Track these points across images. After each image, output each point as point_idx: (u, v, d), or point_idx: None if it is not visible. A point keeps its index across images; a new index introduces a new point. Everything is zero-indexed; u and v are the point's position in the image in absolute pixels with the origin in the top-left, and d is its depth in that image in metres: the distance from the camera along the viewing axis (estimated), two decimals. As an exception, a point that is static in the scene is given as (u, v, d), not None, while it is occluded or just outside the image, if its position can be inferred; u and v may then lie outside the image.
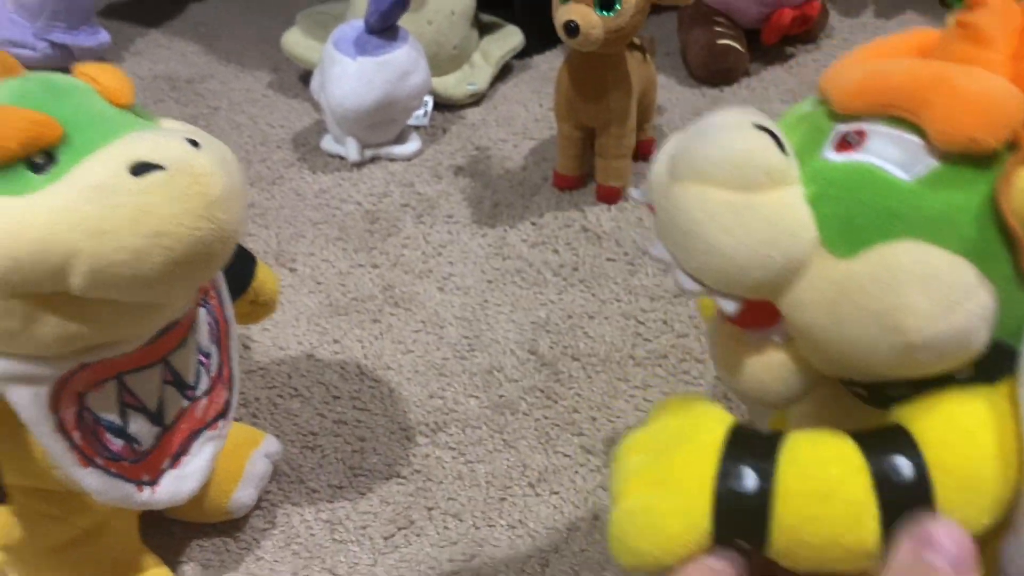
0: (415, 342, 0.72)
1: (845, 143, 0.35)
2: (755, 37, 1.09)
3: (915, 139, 0.34)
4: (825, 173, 0.35)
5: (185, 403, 0.48)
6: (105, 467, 0.45)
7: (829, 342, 0.35)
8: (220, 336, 0.51)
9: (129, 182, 0.37)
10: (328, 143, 0.95)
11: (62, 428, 0.43)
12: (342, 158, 0.94)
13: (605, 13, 0.73)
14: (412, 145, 0.94)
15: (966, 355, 0.34)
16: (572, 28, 0.73)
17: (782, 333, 0.38)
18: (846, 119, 0.36)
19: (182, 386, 0.48)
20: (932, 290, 0.32)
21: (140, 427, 0.46)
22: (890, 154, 0.34)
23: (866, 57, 0.38)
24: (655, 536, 0.32)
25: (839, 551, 0.33)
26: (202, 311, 0.49)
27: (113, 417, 0.45)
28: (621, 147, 0.83)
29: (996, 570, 0.38)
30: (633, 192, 0.41)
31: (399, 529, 0.58)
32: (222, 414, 0.51)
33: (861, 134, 0.35)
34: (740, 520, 0.33)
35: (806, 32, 1.12)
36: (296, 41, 1.04)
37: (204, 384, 0.49)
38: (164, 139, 0.39)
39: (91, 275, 0.37)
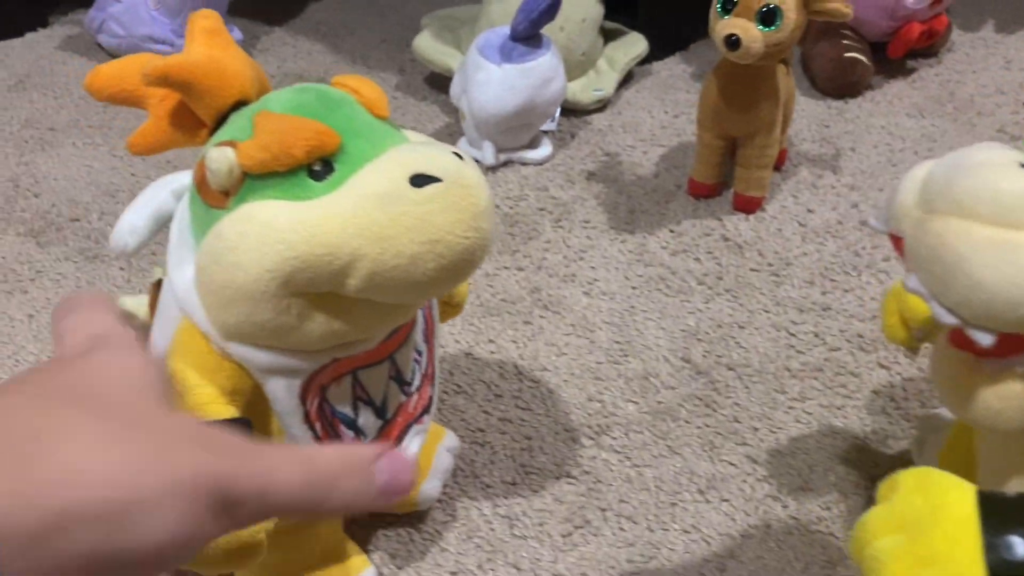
0: (568, 345, 0.74)
1: None
2: (878, 50, 1.09)
3: None
4: None
5: (403, 398, 0.51)
6: None
7: None
8: (428, 334, 0.53)
9: (411, 192, 0.39)
10: (464, 146, 0.97)
11: (308, 419, 0.45)
12: (478, 162, 0.96)
13: (766, 28, 0.74)
14: (544, 150, 0.96)
15: None
16: (733, 42, 0.74)
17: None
18: None
19: (401, 382, 0.50)
20: None
21: (367, 420, 0.48)
22: None
23: None
24: None
25: None
26: (419, 312, 0.52)
27: (347, 410, 0.48)
28: (764, 157, 0.84)
29: None
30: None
31: (576, 528, 0.60)
32: (427, 409, 0.53)
33: None
34: None
35: (930, 46, 1.12)
36: (428, 45, 1.07)
37: (417, 380, 0.52)
38: (437, 152, 0.42)
39: (369, 278, 0.40)
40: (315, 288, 0.40)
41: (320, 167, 0.41)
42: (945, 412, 0.60)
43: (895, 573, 0.36)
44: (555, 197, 0.91)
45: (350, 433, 0.48)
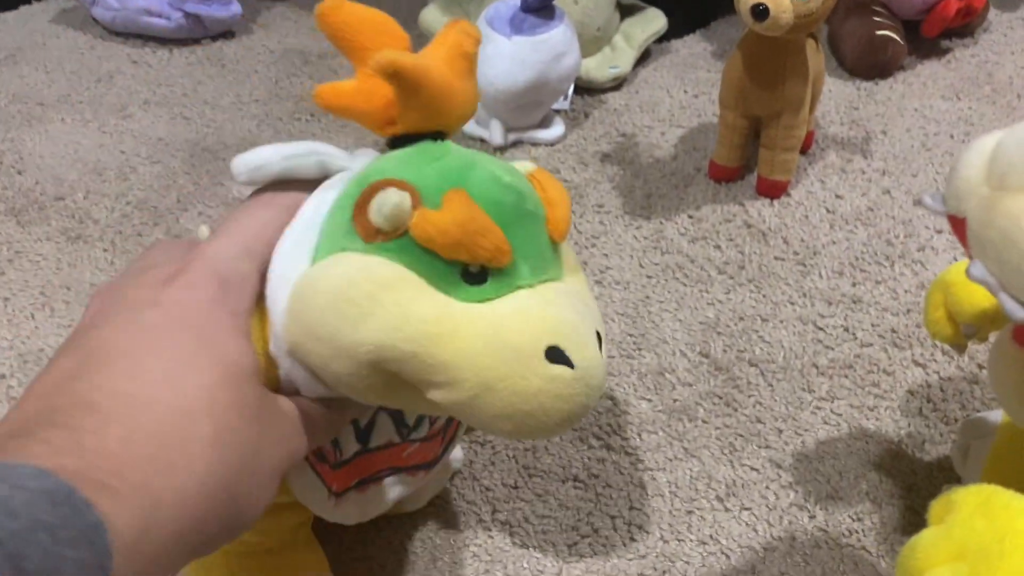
0: (577, 337, 0.69)
1: None
2: (911, 29, 1.03)
3: None
4: None
5: (396, 439, 0.45)
6: (312, 463, 0.43)
7: None
8: None
9: (540, 365, 0.35)
10: (470, 125, 0.91)
11: None
12: (484, 141, 0.91)
13: (797, -4, 0.68)
14: (556, 130, 0.91)
15: None
16: (761, 11, 0.68)
17: None
18: None
19: (399, 422, 0.45)
20: None
21: (345, 437, 0.43)
22: None
23: None
24: None
25: None
26: None
27: None
28: (791, 138, 0.79)
29: None
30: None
31: (582, 537, 0.55)
32: (426, 465, 0.48)
33: None
34: None
35: (965, 25, 1.05)
36: (435, 18, 1.01)
37: (423, 431, 0.46)
38: (584, 328, 0.37)
39: (452, 405, 0.36)
40: (399, 379, 0.36)
41: (476, 271, 0.36)
42: (991, 416, 0.54)
43: None
44: (567, 180, 0.86)
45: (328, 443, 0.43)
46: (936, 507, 0.35)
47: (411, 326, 0.34)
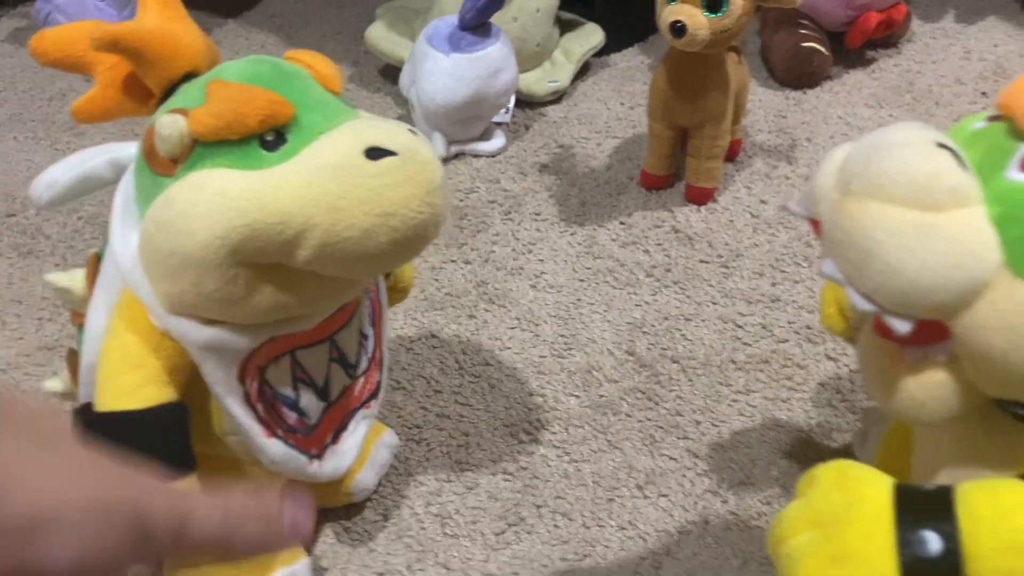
0: (511, 339, 0.72)
1: None
2: (837, 40, 1.08)
3: None
4: (1011, 194, 0.34)
5: (348, 381, 0.50)
6: (284, 438, 0.46)
7: (1008, 364, 0.34)
8: (376, 319, 0.52)
9: (366, 164, 0.39)
10: (414, 137, 0.95)
11: (248, 400, 0.45)
12: (428, 153, 0.94)
13: (712, 14, 0.72)
14: (497, 142, 0.94)
15: None
16: (679, 28, 0.72)
17: (945, 352, 0.38)
18: None
19: (346, 364, 0.49)
20: None
21: (309, 401, 0.47)
22: None
23: None
24: None
25: None
26: (365, 295, 0.51)
27: (288, 391, 0.47)
28: (715, 148, 0.83)
29: None
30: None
31: (509, 525, 0.58)
32: (374, 394, 0.52)
33: None
34: None
35: (889, 36, 1.11)
36: (380, 35, 1.05)
37: (363, 364, 0.51)
38: (392, 127, 0.41)
39: (320, 249, 0.39)
40: (264, 258, 0.40)
41: (273, 137, 0.40)
42: None
43: (808, 571, 0.35)
44: (506, 189, 0.90)
45: (293, 415, 0.47)
46: (801, 482, 0.38)
47: (235, 201, 0.38)
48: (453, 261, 0.80)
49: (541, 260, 0.80)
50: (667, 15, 0.73)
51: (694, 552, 0.56)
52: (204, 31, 1.21)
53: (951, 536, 0.33)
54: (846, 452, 0.62)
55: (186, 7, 0.47)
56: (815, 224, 0.39)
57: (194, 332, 0.42)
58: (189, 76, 0.44)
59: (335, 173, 0.39)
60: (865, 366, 0.42)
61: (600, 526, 0.58)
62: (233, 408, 0.44)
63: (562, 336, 0.72)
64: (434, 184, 0.41)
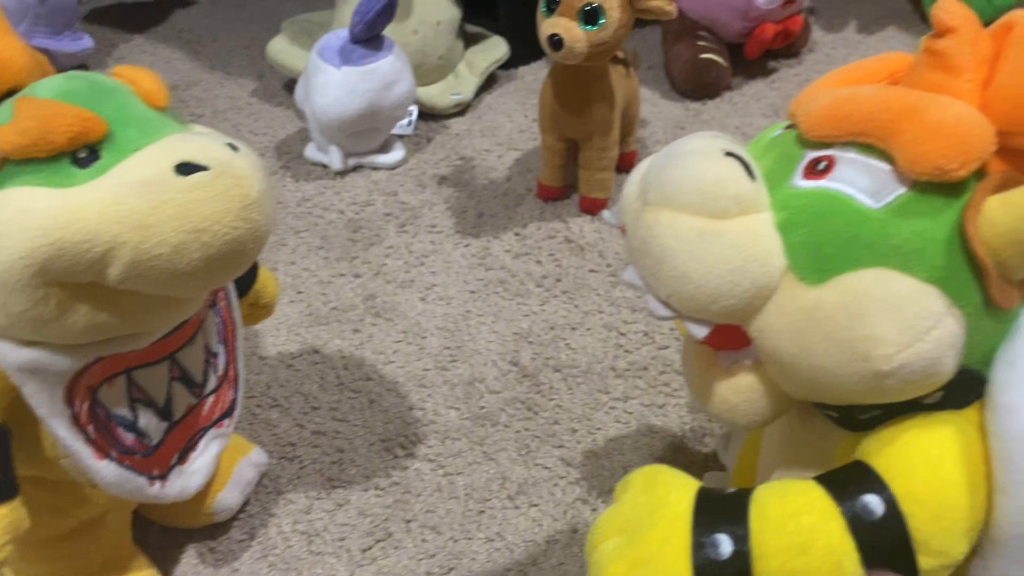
0: (396, 353, 0.72)
1: (814, 170, 0.35)
2: (738, 51, 1.10)
3: (884, 166, 0.34)
4: (795, 200, 0.35)
5: (193, 400, 0.49)
6: (119, 460, 0.46)
7: (798, 369, 0.35)
8: (227, 336, 0.52)
9: (176, 180, 0.38)
10: (311, 151, 0.94)
11: (77, 422, 0.43)
12: (325, 167, 0.94)
13: (589, 27, 0.73)
14: (396, 154, 0.94)
15: (934, 382, 0.34)
16: (556, 42, 0.73)
17: (753, 356, 0.38)
18: (816, 145, 0.36)
19: (190, 383, 0.49)
20: (900, 318, 0.33)
21: (149, 421, 0.47)
22: (859, 181, 0.34)
23: (838, 82, 0.38)
24: None
25: None
26: (211, 312, 0.50)
27: (124, 412, 0.46)
28: (604, 159, 0.84)
29: None
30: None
31: (377, 541, 0.58)
32: (227, 413, 0.51)
33: (830, 160, 0.35)
34: None
35: (788, 47, 1.13)
36: (281, 49, 1.04)
37: (212, 382, 0.50)
38: (207, 142, 0.41)
39: (130, 267, 0.38)
40: (74, 277, 0.39)
41: (85, 154, 0.40)
42: None
43: None
44: (404, 202, 0.89)
45: (130, 435, 0.46)
46: (618, 487, 0.39)
47: (39, 220, 0.37)
48: (343, 275, 0.80)
49: (433, 272, 0.80)
50: (545, 28, 0.74)
51: (560, 561, 0.56)
52: (110, 47, 1.19)
53: (741, 538, 0.34)
54: (716, 457, 0.63)
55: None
56: (622, 230, 0.40)
57: (11, 354, 0.41)
58: (12, 92, 0.44)
59: (143, 189, 0.38)
60: (687, 371, 0.42)
61: (468, 539, 0.58)
62: (59, 431, 0.43)
63: (447, 348, 0.72)
64: (249, 199, 0.40)
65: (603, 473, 0.62)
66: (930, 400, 0.35)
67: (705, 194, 0.34)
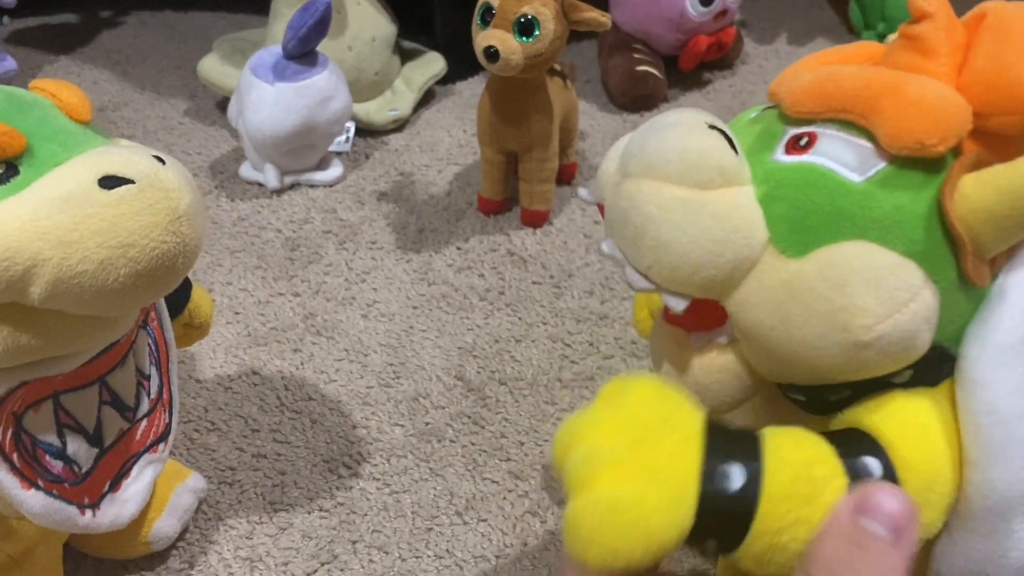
0: (338, 371, 0.70)
1: (796, 145, 0.36)
2: (673, 64, 1.11)
3: (865, 143, 0.35)
4: (776, 174, 0.35)
5: (125, 425, 0.47)
6: (47, 489, 0.43)
7: (777, 342, 0.35)
8: (160, 359, 0.50)
9: (99, 194, 0.37)
10: (246, 170, 0.93)
11: (1, 450, 0.41)
12: (261, 185, 0.92)
13: (524, 39, 0.73)
14: (334, 171, 0.93)
15: (910, 356, 0.34)
16: (492, 53, 0.73)
17: (727, 335, 0.38)
18: (797, 123, 0.36)
19: (121, 407, 0.47)
20: (879, 290, 0.33)
21: (78, 448, 0.44)
22: (841, 155, 0.35)
23: (817, 64, 0.39)
24: (638, 532, 0.29)
25: None
26: (142, 333, 0.48)
27: (51, 438, 0.44)
28: (544, 171, 0.84)
29: (927, 569, 0.38)
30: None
31: (322, 564, 0.56)
32: (162, 437, 0.49)
33: (811, 136, 0.36)
34: (721, 520, 0.31)
35: (722, 58, 1.15)
36: (213, 67, 1.02)
37: (144, 406, 0.48)
38: (132, 154, 0.39)
39: (54, 285, 0.37)
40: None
41: (3, 170, 0.38)
42: None
43: (600, 480, 0.30)
44: (343, 219, 0.88)
45: (58, 463, 0.44)
46: (607, 389, 0.33)
47: None
48: (281, 294, 0.78)
49: (375, 289, 0.79)
50: (480, 41, 0.74)
51: (510, 576, 0.55)
52: (34, 68, 1.16)
53: (754, 475, 0.32)
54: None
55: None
56: (601, 209, 0.39)
57: None
58: None
59: (65, 204, 0.37)
60: (656, 354, 0.42)
61: (416, 557, 0.56)
62: None
63: (391, 365, 0.71)
64: (178, 212, 0.39)
65: (552, 485, 0.61)
66: (900, 379, 0.36)
67: (689, 164, 0.34)
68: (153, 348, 0.50)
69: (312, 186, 0.92)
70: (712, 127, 0.36)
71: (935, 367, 0.36)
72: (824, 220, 0.34)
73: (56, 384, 0.43)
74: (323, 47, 0.88)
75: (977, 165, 0.34)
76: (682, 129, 0.35)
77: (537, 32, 0.73)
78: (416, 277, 0.81)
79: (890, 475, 0.34)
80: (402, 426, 0.66)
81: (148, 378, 0.49)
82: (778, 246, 0.34)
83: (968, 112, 0.34)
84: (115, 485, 0.47)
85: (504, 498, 0.60)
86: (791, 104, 0.36)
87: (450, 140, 1.01)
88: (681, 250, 0.34)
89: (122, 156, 0.39)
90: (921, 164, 0.34)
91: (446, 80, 1.11)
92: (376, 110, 1.01)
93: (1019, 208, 0.32)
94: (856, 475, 0.33)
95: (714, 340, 0.38)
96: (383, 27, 1.02)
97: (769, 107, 0.39)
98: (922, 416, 0.35)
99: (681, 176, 0.34)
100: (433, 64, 1.08)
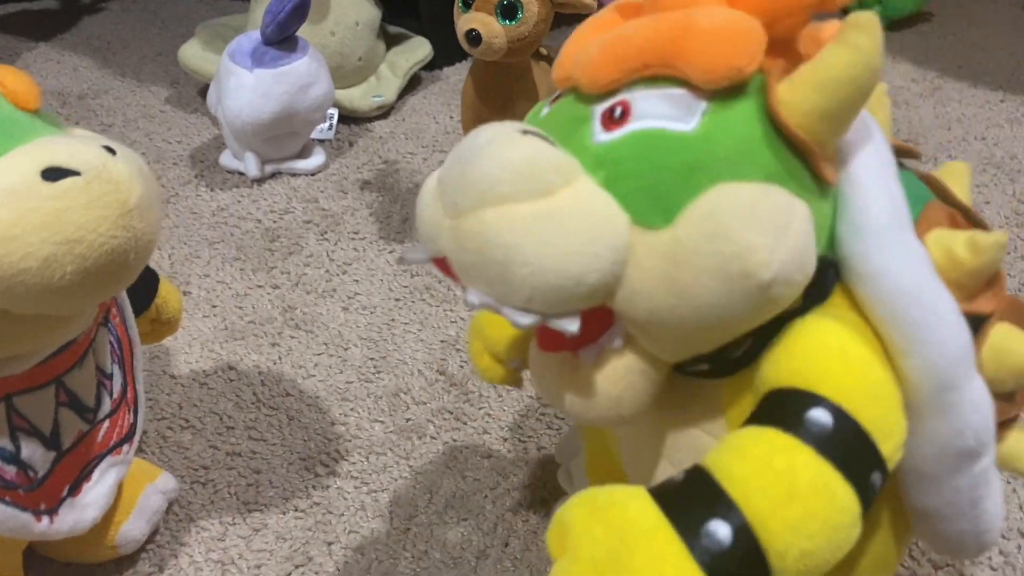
0: (316, 366, 0.69)
1: (611, 119, 0.34)
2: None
3: (678, 91, 0.33)
4: (608, 154, 0.33)
5: (85, 426, 0.45)
6: (0, 496, 0.41)
7: (680, 319, 0.32)
8: (124, 356, 0.48)
9: (42, 187, 0.35)
10: (227, 159, 0.90)
11: None
12: (241, 174, 0.90)
13: (507, 22, 0.71)
14: (316, 159, 0.91)
15: (806, 277, 0.33)
16: (474, 37, 0.71)
17: (618, 336, 0.35)
18: (601, 97, 0.34)
19: (81, 408, 0.45)
20: (760, 222, 0.31)
21: (33, 452, 0.43)
22: (662, 112, 0.33)
23: (585, 37, 0.37)
24: None
25: (838, 533, 0.31)
26: (103, 330, 0.46)
27: (4, 442, 0.42)
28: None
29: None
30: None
31: (296, 567, 0.54)
32: (126, 438, 0.47)
33: (624, 104, 0.34)
34: (741, 571, 0.30)
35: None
36: (194, 54, 1.00)
37: (106, 407, 0.46)
38: (79, 144, 0.37)
39: (5, 286, 0.35)
40: None
41: None
42: (571, 433, 0.56)
43: None
44: (324, 208, 0.86)
45: (11, 468, 0.42)
46: (552, 538, 0.32)
47: None
48: (260, 286, 0.76)
49: (356, 281, 0.77)
50: (462, 24, 0.71)
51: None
52: (12, 55, 1.14)
53: (734, 514, 0.30)
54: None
55: None
56: (440, 263, 0.35)
57: None
58: None
59: (6, 198, 0.35)
60: (547, 391, 0.38)
61: (394, 558, 0.55)
62: None
63: (371, 359, 0.69)
64: (128, 206, 0.37)
65: (536, 483, 0.59)
66: (794, 307, 0.34)
67: (524, 176, 0.31)
68: (116, 346, 0.48)
69: (294, 175, 0.90)
70: (524, 132, 0.33)
71: (820, 280, 0.34)
72: (676, 179, 0.32)
73: (8, 385, 0.41)
74: (305, 32, 0.86)
75: (784, 73, 0.33)
76: (497, 144, 0.32)
77: (520, 15, 0.71)
78: (399, 269, 0.79)
79: (840, 415, 0.32)
80: (382, 422, 0.64)
81: (110, 377, 0.47)
82: (642, 223, 0.32)
83: (759, 26, 0.32)
84: (75, 489, 0.45)
85: (486, 496, 0.58)
86: (590, 80, 0.34)
87: (436, 127, 0.99)
88: (557, 266, 0.31)
89: (68, 146, 0.37)
90: (737, 91, 0.33)
91: (432, 65, 1.09)
92: (360, 96, 0.99)
93: (843, 96, 0.32)
94: (812, 435, 0.31)
95: (605, 347, 0.36)
96: (367, 11, 1.00)
97: (554, 99, 0.37)
98: (832, 339, 0.33)
99: (520, 191, 0.31)
100: (419, 49, 1.06)
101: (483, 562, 0.54)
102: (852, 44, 0.31)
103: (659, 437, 0.39)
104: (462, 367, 0.68)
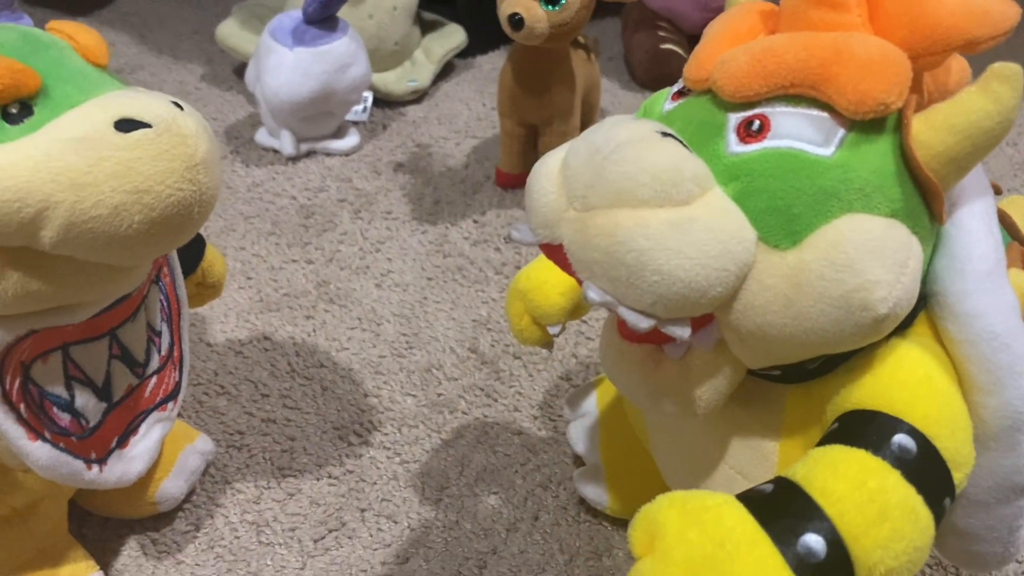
0: (350, 339, 0.70)
1: (748, 132, 0.34)
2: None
3: (819, 113, 0.33)
4: (742, 167, 0.33)
5: (135, 380, 0.46)
6: (54, 441, 0.43)
7: (787, 337, 0.33)
8: (172, 315, 0.49)
9: (115, 137, 0.36)
10: (262, 136, 0.91)
11: (8, 399, 0.41)
12: (277, 152, 0.91)
13: (550, 7, 0.72)
14: (350, 140, 0.92)
15: (908, 310, 0.34)
16: (517, 21, 0.71)
17: (713, 337, 0.36)
18: (738, 107, 0.34)
19: (131, 362, 0.46)
20: (884, 258, 0.32)
21: (86, 402, 0.44)
22: (803, 133, 0.33)
23: (726, 40, 0.36)
24: None
25: (918, 554, 0.32)
26: (154, 288, 0.47)
27: (60, 390, 0.43)
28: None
29: None
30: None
31: (329, 531, 0.55)
32: (171, 395, 0.48)
33: (763, 119, 0.33)
34: None
35: (747, 40, 1.13)
36: (231, 32, 1.01)
37: (154, 363, 0.47)
38: (151, 98, 0.38)
39: (66, 229, 0.36)
40: (5, 241, 0.36)
41: (17, 110, 0.37)
42: (587, 393, 0.57)
43: None
44: (358, 188, 0.87)
45: (66, 416, 0.43)
46: (637, 534, 0.32)
47: None
48: (295, 261, 0.77)
49: (389, 259, 0.78)
50: (505, 8, 0.72)
51: (520, 549, 0.54)
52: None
53: (829, 530, 0.31)
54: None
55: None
56: (550, 249, 0.35)
57: None
58: None
59: (79, 146, 0.36)
60: (622, 379, 0.38)
61: (426, 527, 0.56)
62: None
63: (404, 335, 0.70)
64: (195, 159, 0.38)
65: (565, 460, 0.60)
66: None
67: (665, 181, 0.31)
68: (165, 304, 0.49)
69: (328, 154, 0.91)
70: (665, 134, 0.33)
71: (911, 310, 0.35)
72: (809, 204, 0.32)
73: (65, 335, 0.42)
74: (344, 14, 0.87)
75: (918, 108, 0.33)
76: (640, 145, 0.32)
77: (563, 1, 0.72)
78: (431, 248, 0.79)
79: (923, 442, 0.33)
80: (414, 396, 0.65)
81: (159, 334, 0.48)
82: (769, 241, 0.32)
83: (907, 61, 0.33)
84: (123, 441, 0.46)
85: (516, 471, 0.59)
86: (734, 89, 0.34)
87: (468, 113, 1.00)
88: (686, 276, 0.31)
89: (139, 100, 0.38)
90: (876, 123, 0.33)
91: (466, 53, 1.09)
92: (395, 80, 1.00)
93: (975, 143, 0.32)
94: (898, 459, 0.32)
95: (694, 347, 0.36)
96: (404, -4, 1.00)
97: (679, 93, 0.37)
98: (921, 368, 0.35)
99: (660, 197, 0.31)
100: (453, 36, 1.07)
101: (513, 534, 0.55)
102: (993, 94, 0.32)
103: (712, 426, 0.40)
104: (493, 346, 0.69)
